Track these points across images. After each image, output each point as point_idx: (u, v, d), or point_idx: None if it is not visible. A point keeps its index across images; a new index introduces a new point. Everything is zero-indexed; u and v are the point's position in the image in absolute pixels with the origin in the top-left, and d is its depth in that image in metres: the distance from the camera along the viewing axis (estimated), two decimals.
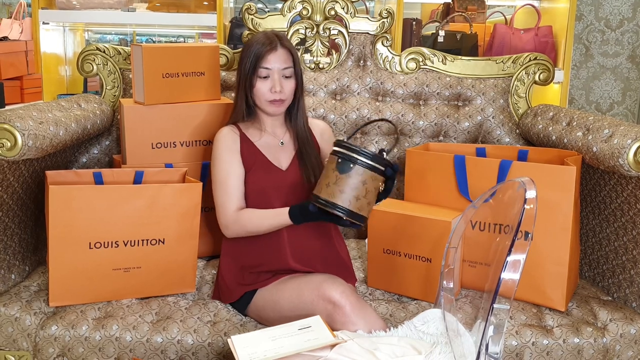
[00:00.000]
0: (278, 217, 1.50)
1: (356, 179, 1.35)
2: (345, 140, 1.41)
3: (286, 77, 1.58)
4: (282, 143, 1.64)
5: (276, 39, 1.58)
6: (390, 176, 1.39)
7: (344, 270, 1.62)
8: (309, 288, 1.46)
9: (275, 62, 1.56)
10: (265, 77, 1.57)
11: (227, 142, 1.60)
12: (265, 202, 1.55)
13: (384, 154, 1.40)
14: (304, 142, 1.63)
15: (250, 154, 1.60)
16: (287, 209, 1.49)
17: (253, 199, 1.57)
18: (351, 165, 1.35)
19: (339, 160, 1.36)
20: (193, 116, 1.84)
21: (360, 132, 2.09)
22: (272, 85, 1.56)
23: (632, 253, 1.62)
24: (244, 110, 1.62)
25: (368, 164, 1.35)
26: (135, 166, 1.76)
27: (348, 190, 1.35)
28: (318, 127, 1.70)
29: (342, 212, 1.35)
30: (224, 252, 1.63)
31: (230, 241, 1.60)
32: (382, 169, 1.37)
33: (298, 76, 1.61)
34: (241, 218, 1.54)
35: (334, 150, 1.39)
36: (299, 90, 1.63)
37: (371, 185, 1.37)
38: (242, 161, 1.59)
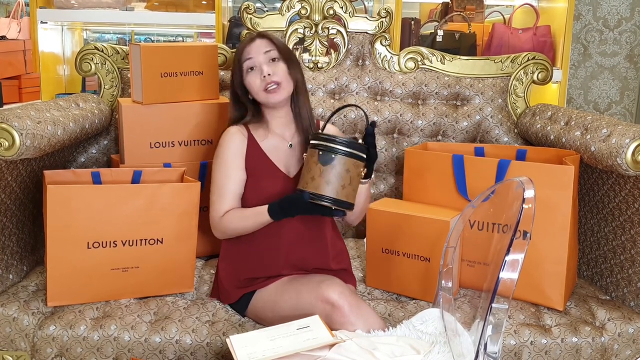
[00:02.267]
0: (258, 216, 1.50)
1: (339, 168, 1.39)
2: (320, 132, 1.44)
3: (272, 59, 1.55)
4: (290, 145, 1.60)
5: (255, 35, 1.59)
6: (370, 159, 1.43)
7: (343, 272, 1.62)
8: (307, 289, 1.46)
9: (256, 51, 1.55)
10: (252, 69, 1.55)
11: (233, 143, 1.56)
12: None
13: (360, 140, 1.44)
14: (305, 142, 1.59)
15: (256, 158, 1.57)
16: (267, 207, 1.49)
17: (256, 204, 1.54)
18: (333, 156, 1.39)
19: (320, 152, 1.39)
20: (191, 115, 1.83)
21: (359, 132, 2.09)
22: (260, 73, 1.54)
23: (630, 252, 1.62)
24: (250, 108, 1.59)
25: (348, 151, 1.40)
26: (133, 166, 1.76)
27: (333, 180, 1.39)
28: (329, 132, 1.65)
29: (330, 202, 1.40)
30: (222, 256, 1.62)
31: (229, 245, 1.60)
32: (363, 155, 1.42)
33: (288, 61, 1.56)
34: (225, 221, 1.54)
35: (313, 144, 1.42)
36: (299, 82, 1.58)
37: (354, 172, 1.42)
38: (247, 165, 1.56)
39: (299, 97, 1.60)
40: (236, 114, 1.62)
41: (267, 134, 1.60)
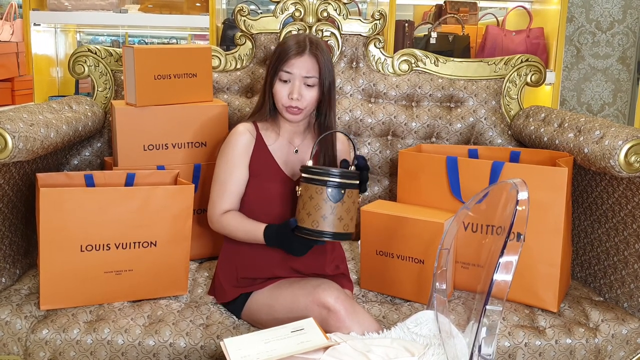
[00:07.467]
0: (252, 233, 1.49)
1: (348, 201, 1.38)
2: (324, 167, 1.39)
3: (308, 85, 1.51)
4: (296, 151, 1.59)
5: (307, 45, 1.51)
6: (363, 180, 1.42)
7: (340, 277, 1.62)
8: (303, 293, 1.45)
9: (299, 68, 1.50)
10: (285, 81, 1.52)
11: (241, 143, 1.55)
12: (270, 210, 1.53)
13: (352, 164, 1.42)
14: (325, 156, 1.57)
15: (262, 159, 1.56)
16: (263, 229, 1.47)
17: (257, 204, 1.54)
18: (342, 192, 1.36)
19: (329, 190, 1.35)
20: (185, 118, 1.83)
21: (353, 134, 2.09)
22: (290, 91, 1.51)
23: (623, 254, 1.63)
24: (267, 110, 1.56)
25: (355, 184, 1.38)
26: (126, 168, 1.75)
27: (346, 215, 1.38)
28: (337, 141, 1.62)
29: (348, 237, 1.40)
30: (222, 254, 1.62)
31: (230, 244, 1.59)
32: (358, 180, 1.40)
33: (323, 87, 1.52)
34: (223, 221, 1.54)
35: (320, 180, 1.36)
36: (326, 102, 1.55)
37: (357, 199, 1.41)
38: (252, 165, 1.56)
39: (326, 111, 1.56)
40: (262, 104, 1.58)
41: (277, 137, 1.59)
